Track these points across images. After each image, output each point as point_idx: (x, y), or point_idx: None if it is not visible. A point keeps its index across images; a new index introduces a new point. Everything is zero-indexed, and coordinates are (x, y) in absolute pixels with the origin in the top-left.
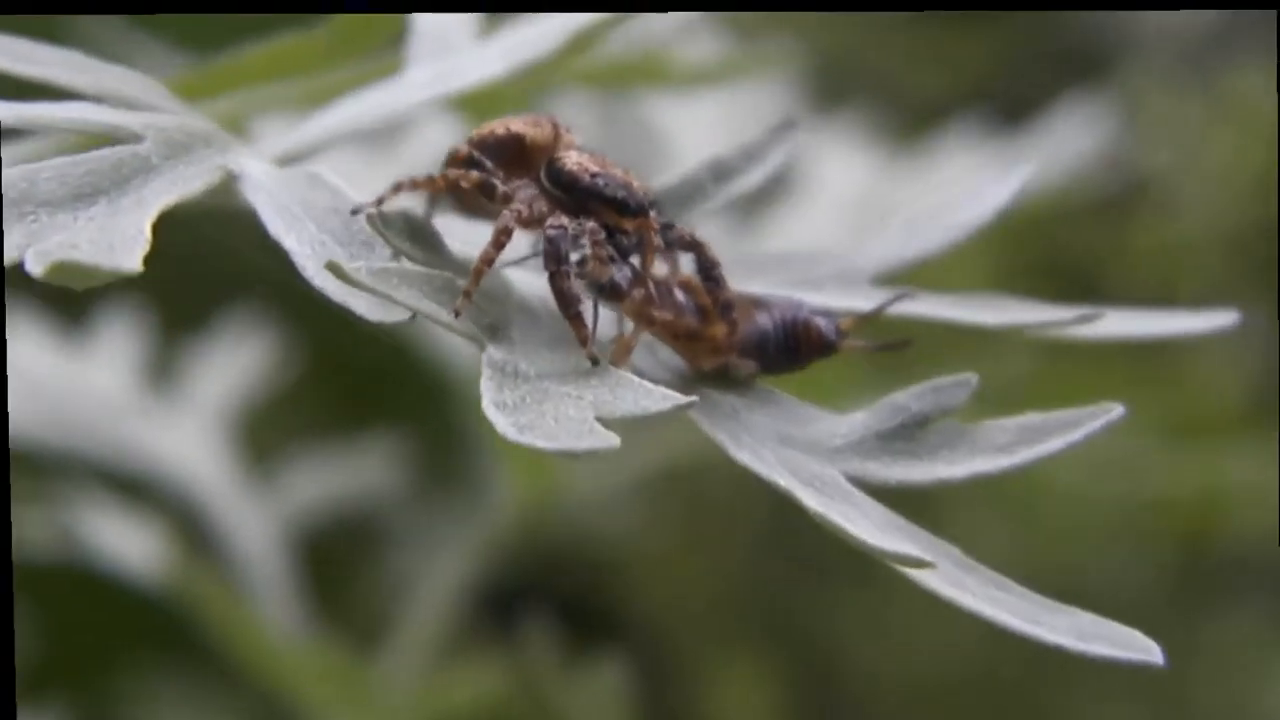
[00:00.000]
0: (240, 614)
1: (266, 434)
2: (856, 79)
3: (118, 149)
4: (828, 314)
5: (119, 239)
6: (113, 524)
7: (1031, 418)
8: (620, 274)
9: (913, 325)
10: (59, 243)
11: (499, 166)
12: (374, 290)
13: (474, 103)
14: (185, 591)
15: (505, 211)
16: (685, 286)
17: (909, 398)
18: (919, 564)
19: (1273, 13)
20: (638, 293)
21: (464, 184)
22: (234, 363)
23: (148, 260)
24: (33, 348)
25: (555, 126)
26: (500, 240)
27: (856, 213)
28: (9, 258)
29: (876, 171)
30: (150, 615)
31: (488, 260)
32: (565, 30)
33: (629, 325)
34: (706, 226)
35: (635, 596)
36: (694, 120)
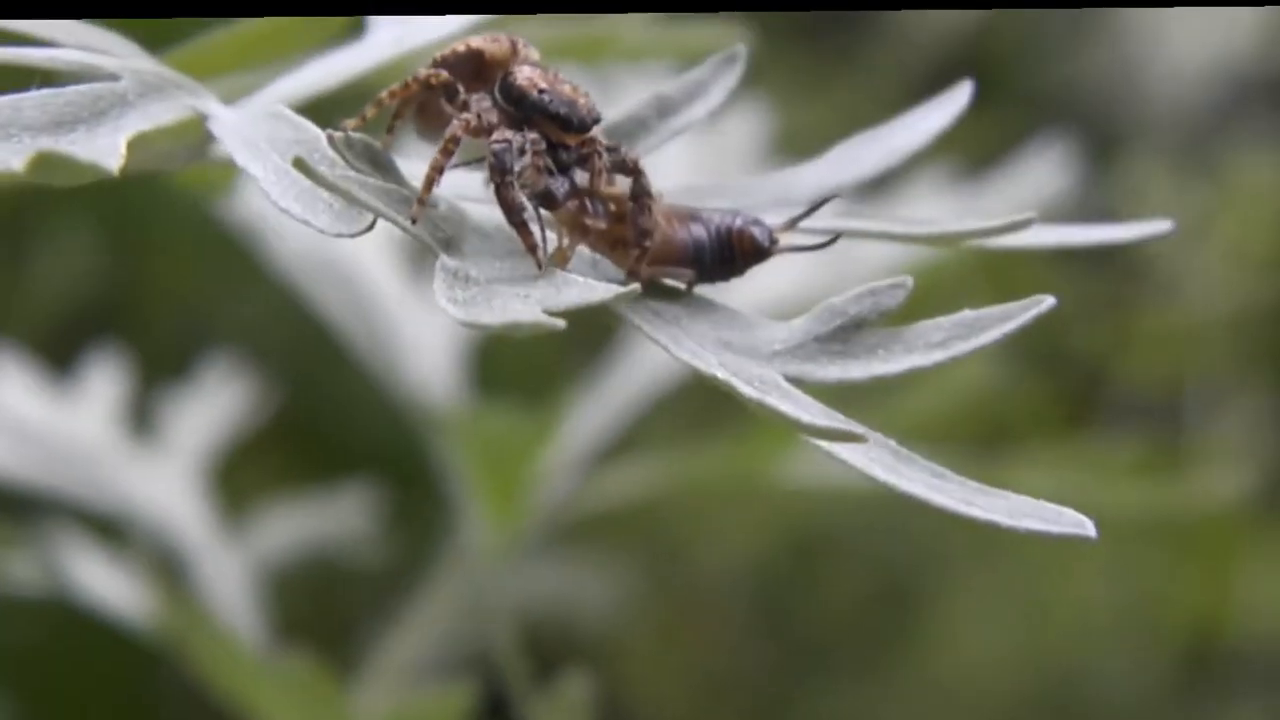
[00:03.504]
0: (216, 643)
1: (243, 478)
2: None
3: (96, 85)
4: (759, 222)
5: (98, 152)
6: (93, 563)
7: (965, 314)
8: (556, 184)
9: None
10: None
11: (460, 81)
12: (336, 188)
13: None
14: (164, 626)
15: (454, 120)
16: (612, 200)
17: (846, 302)
18: (851, 437)
19: (1275, 94)
20: (572, 203)
21: (433, 81)
22: (212, 409)
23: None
24: (18, 392)
25: (514, 43)
26: (448, 148)
27: (821, 261)
28: None
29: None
30: (129, 649)
31: (437, 168)
32: None
33: (566, 239)
34: None
35: (620, 687)
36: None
